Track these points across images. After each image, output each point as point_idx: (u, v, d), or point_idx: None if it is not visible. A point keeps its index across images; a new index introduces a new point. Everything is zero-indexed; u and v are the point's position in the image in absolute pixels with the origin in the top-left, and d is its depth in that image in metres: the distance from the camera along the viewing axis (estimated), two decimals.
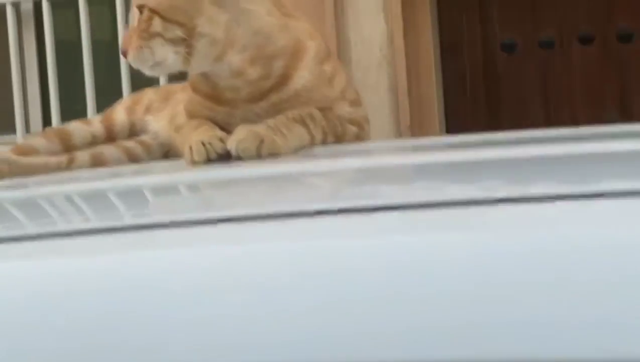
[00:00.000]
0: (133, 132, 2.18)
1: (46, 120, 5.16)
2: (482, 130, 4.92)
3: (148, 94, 2.25)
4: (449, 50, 4.83)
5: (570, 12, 4.86)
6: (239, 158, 1.72)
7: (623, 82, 4.91)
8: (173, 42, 1.81)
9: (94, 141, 2.16)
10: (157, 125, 2.15)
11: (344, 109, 1.96)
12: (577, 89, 4.91)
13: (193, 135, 1.80)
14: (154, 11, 1.82)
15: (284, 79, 1.89)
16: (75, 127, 2.19)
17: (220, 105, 1.91)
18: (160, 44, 1.81)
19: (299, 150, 1.80)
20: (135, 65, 1.86)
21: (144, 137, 2.16)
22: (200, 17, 1.83)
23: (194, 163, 1.74)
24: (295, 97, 1.89)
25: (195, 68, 1.87)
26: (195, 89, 1.95)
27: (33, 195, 1.45)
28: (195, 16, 1.83)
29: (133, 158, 2.11)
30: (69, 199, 1.35)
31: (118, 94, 4.92)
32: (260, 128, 1.76)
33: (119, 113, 2.21)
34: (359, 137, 1.98)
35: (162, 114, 2.17)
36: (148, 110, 2.20)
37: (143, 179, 1.54)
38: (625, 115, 4.91)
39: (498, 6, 4.87)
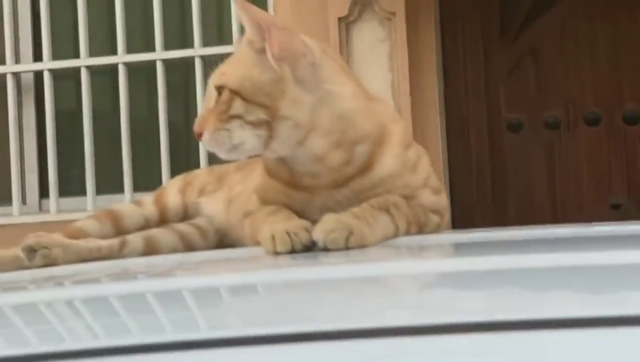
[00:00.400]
0: (186, 214, 2.10)
1: (43, 191, 5.07)
2: (487, 211, 4.88)
3: (200, 176, 2.17)
4: (454, 129, 4.80)
5: (576, 93, 4.84)
6: (325, 249, 1.62)
7: (629, 165, 4.87)
8: (254, 124, 1.72)
9: (146, 224, 2.07)
10: (212, 208, 2.07)
11: (427, 198, 1.87)
12: (583, 170, 4.87)
13: (273, 224, 1.70)
14: (235, 92, 1.73)
15: (368, 165, 1.80)
16: (127, 210, 2.10)
17: (298, 192, 1.81)
18: (239, 127, 1.72)
19: (384, 242, 1.70)
20: (210, 148, 1.76)
21: (199, 221, 2.07)
22: (284, 99, 1.74)
23: (275, 253, 1.64)
24: (379, 185, 1.79)
25: (275, 152, 1.77)
26: (271, 174, 1.85)
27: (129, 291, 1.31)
28: (279, 98, 1.73)
29: (188, 244, 2.02)
30: (143, 300, 1.24)
31: (118, 165, 4.85)
32: (348, 218, 1.66)
33: (172, 195, 2.12)
34: (440, 227, 1.89)
35: (216, 196, 2.09)
36: (202, 192, 2.12)
37: (223, 277, 1.39)
38: (632, 198, 4.86)
39: (504, 85, 4.85)
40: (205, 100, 1.81)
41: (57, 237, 1.90)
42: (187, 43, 4.96)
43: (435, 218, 1.86)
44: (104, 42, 5.15)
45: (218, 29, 5.10)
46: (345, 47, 4.51)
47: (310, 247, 1.65)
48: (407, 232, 1.78)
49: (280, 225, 1.68)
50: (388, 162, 1.80)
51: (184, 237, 2.03)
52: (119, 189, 4.86)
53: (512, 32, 4.89)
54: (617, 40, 4.86)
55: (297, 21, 4.68)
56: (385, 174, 1.80)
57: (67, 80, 5.13)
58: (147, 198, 2.14)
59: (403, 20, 4.42)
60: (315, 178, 1.80)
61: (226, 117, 1.73)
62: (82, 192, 4.88)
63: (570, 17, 4.90)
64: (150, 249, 1.99)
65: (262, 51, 1.74)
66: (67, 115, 5.17)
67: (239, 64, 1.78)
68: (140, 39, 5.11)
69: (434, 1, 4.70)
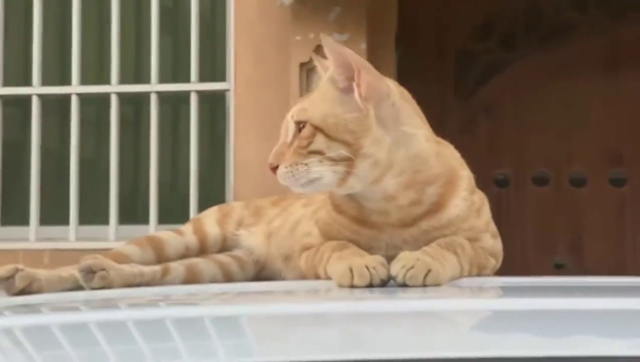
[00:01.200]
0: (225, 245, 2.12)
1: None
2: None
3: (237, 209, 2.18)
4: None
5: (527, 152, 4.94)
6: (404, 285, 1.65)
7: (574, 226, 4.97)
8: (333, 160, 1.75)
9: (186, 253, 2.08)
10: (253, 241, 2.10)
11: (488, 241, 1.92)
12: (529, 228, 4.95)
13: (348, 258, 1.73)
14: (318, 128, 1.77)
15: (437, 206, 1.84)
16: (169, 237, 2.10)
17: (366, 228, 1.85)
18: (318, 162, 1.75)
19: (452, 281, 1.74)
20: (284, 182, 1.78)
21: (239, 253, 2.10)
22: (367, 138, 1.77)
23: (352, 286, 1.66)
24: (447, 226, 1.83)
25: (350, 188, 1.80)
26: (338, 210, 1.88)
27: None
28: (362, 136, 1.77)
29: (228, 274, 2.05)
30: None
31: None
32: (425, 257, 1.70)
33: (211, 226, 2.13)
34: (495, 270, 1.94)
35: (255, 229, 2.11)
36: (240, 224, 2.13)
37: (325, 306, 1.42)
38: (576, 258, 4.96)
39: (455, 143, 4.90)
40: (282, 135, 1.82)
41: (107, 260, 1.89)
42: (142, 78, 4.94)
43: (492, 261, 1.91)
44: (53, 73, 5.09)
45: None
46: (305, 93, 4.53)
47: (386, 283, 1.67)
48: (470, 273, 1.82)
49: (358, 259, 1.70)
50: (456, 205, 1.84)
51: (223, 268, 2.05)
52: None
53: (467, 89, 4.98)
54: (568, 103, 4.99)
55: (258, 65, 4.70)
56: (454, 216, 1.83)
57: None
58: (187, 227, 2.14)
59: None
60: (383, 216, 1.83)
61: (306, 152, 1.76)
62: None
63: (524, 78, 5.01)
64: (191, 278, 2.00)
65: (345, 90, 1.78)
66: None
67: (321, 101, 1.81)
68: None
69: (393, 55, 4.77)
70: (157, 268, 1.96)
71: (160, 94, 4.83)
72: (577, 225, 4.98)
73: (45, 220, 4.84)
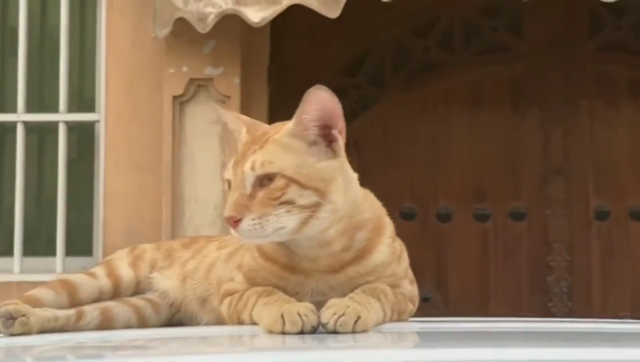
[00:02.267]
0: (138, 288, 2.10)
1: None
2: None
3: (148, 251, 2.15)
4: None
5: (394, 187, 5.04)
6: (334, 332, 1.67)
7: (440, 260, 5.10)
8: (303, 208, 1.76)
9: (100, 296, 2.05)
10: (167, 284, 2.08)
11: (407, 287, 1.95)
12: None
13: (276, 304, 1.73)
14: (292, 180, 1.77)
15: (364, 252, 1.85)
16: (82, 281, 2.06)
17: (294, 275, 1.86)
18: (286, 211, 1.75)
19: (376, 327, 1.76)
20: (246, 235, 1.75)
21: (152, 296, 2.08)
22: (334, 183, 1.80)
23: (282, 333, 1.67)
24: (371, 272, 1.86)
25: (305, 233, 1.79)
26: (267, 258, 1.88)
27: None
28: (331, 182, 1.80)
29: (142, 317, 2.03)
30: None
31: None
32: (353, 304, 1.72)
33: (124, 269, 2.10)
34: (411, 314, 1.98)
35: (169, 272, 2.09)
36: (153, 267, 2.11)
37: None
38: (441, 291, 5.08)
39: None
40: (234, 187, 1.78)
41: (21, 304, 1.85)
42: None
43: (410, 306, 1.96)
44: None
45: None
46: (178, 125, 4.52)
47: (316, 329, 1.69)
48: (391, 319, 1.85)
49: (289, 306, 1.70)
50: (381, 251, 1.87)
51: (138, 311, 2.03)
52: None
53: None
54: (434, 140, 5.13)
55: (129, 96, 4.65)
56: (379, 262, 1.86)
57: None
58: (99, 270, 2.10)
59: (237, 103, 4.48)
60: (313, 262, 1.85)
61: (277, 203, 1.75)
62: None
63: (392, 114, 5.13)
64: (106, 322, 1.98)
65: (314, 143, 1.81)
66: None
67: (287, 153, 1.81)
68: None
69: (265, 88, 4.80)
70: (71, 312, 1.93)
71: (26, 124, 4.71)
72: (443, 258, 5.10)
73: None
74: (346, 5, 4.26)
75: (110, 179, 4.63)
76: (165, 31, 4.36)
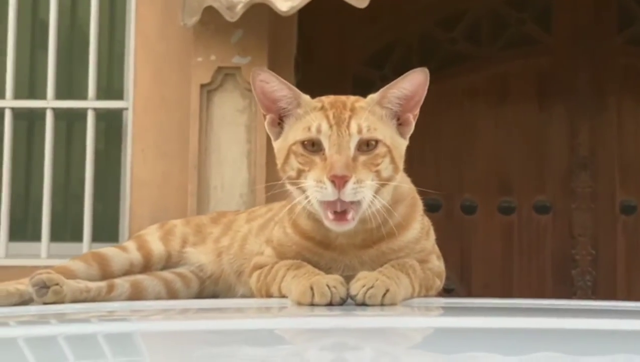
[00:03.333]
0: (169, 262, 2.14)
1: None
2: None
3: (179, 226, 2.19)
4: None
5: (419, 180, 5.04)
6: (363, 304, 1.68)
7: (464, 252, 5.10)
8: (380, 180, 1.79)
9: (130, 269, 2.09)
10: (204, 259, 2.12)
11: (434, 263, 1.99)
12: None
13: (306, 277, 1.75)
14: (389, 150, 1.82)
15: (399, 229, 1.88)
16: (114, 254, 2.11)
17: (329, 251, 1.88)
18: (369, 182, 1.78)
19: (405, 301, 1.78)
20: (349, 196, 1.76)
21: (183, 270, 2.11)
22: (401, 162, 1.86)
23: (311, 304, 1.69)
24: (403, 248, 1.89)
25: (362, 210, 1.80)
26: (304, 236, 1.90)
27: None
28: (401, 160, 1.87)
29: (172, 291, 2.07)
30: None
31: None
32: (382, 277, 1.74)
33: (155, 243, 2.15)
34: (439, 291, 2.00)
35: (204, 248, 2.13)
36: (185, 242, 2.15)
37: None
38: (464, 283, 5.08)
39: None
40: (338, 148, 1.79)
41: (55, 274, 1.89)
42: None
43: (438, 282, 1.97)
44: None
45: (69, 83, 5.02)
46: (205, 114, 4.54)
47: (344, 301, 1.70)
48: (419, 294, 1.86)
49: (318, 278, 1.72)
50: (416, 228, 1.90)
51: (168, 285, 2.07)
52: None
53: None
54: (459, 132, 5.13)
55: (157, 84, 4.69)
56: (412, 237, 1.89)
57: None
58: (130, 244, 2.14)
59: None
60: (350, 238, 1.86)
61: (373, 169, 1.79)
62: None
63: None
64: (136, 294, 2.02)
65: (391, 119, 1.87)
66: None
67: (382, 123, 1.85)
68: None
69: (293, 78, 4.82)
70: (102, 284, 1.97)
71: (55, 111, 4.76)
72: (467, 251, 5.11)
73: None
74: None
75: (137, 167, 4.66)
76: (194, 20, 4.39)
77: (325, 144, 1.80)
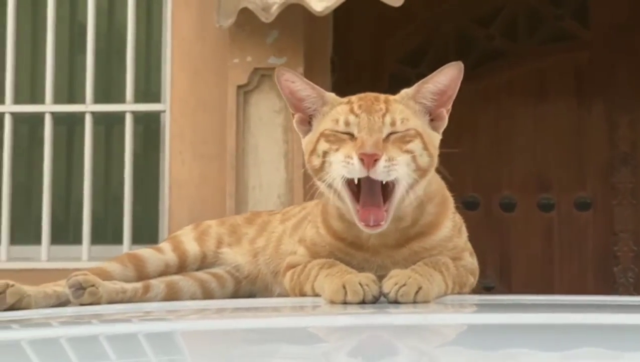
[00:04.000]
0: (204, 262, 2.15)
1: None
2: None
3: (214, 227, 2.20)
4: None
5: (457, 177, 5.02)
6: (395, 302, 1.69)
7: (503, 250, 5.07)
8: (417, 168, 1.80)
9: (166, 270, 2.10)
10: (240, 259, 2.14)
11: (468, 259, 1.98)
12: None
13: (339, 275, 1.76)
14: (419, 134, 1.83)
15: (430, 228, 1.89)
16: (150, 255, 2.13)
17: (361, 252, 1.88)
18: (405, 163, 1.78)
19: (438, 299, 1.78)
20: (378, 173, 1.77)
21: (217, 271, 2.13)
22: (435, 156, 1.87)
23: (344, 303, 1.69)
24: (436, 246, 1.89)
25: (401, 200, 1.81)
26: (336, 237, 1.91)
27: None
28: (435, 153, 1.88)
29: (207, 291, 2.08)
30: None
31: None
32: (415, 275, 1.74)
33: (190, 244, 2.16)
34: (472, 288, 1.99)
35: (239, 249, 2.15)
36: (220, 243, 2.17)
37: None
38: (504, 281, 5.05)
39: None
40: (369, 131, 1.81)
41: (92, 276, 1.91)
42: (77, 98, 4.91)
43: (471, 279, 1.96)
44: None
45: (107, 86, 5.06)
46: (242, 115, 4.56)
47: (377, 299, 1.71)
48: (452, 291, 1.85)
49: (351, 276, 1.73)
50: (447, 226, 1.89)
51: (203, 285, 2.08)
52: None
53: None
54: (497, 129, 5.10)
55: (194, 86, 4.71)
56: (444, 236, 1.89)
57: None
58: (165, 245, 2.15)
59: None
60: (382, 238, 1.86)
61: (404, 148, 1.80)
62: None
63: (454, 104, 5.10)
64: (172, 294, 2.04)
65: (425, 113, 1.89)
66: None
67: (414, 115, 1.87)
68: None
69: (329, 78, 4.82)
70: (138, 285, 1.98)
71: (94, 115, 4.80)
72: (506, 248, 5.08)
73: None
74: None
75: (175, 169, 4.69)
76: (230, 21, 4.40)
77: (355, 130, 1.80)
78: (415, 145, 1.81)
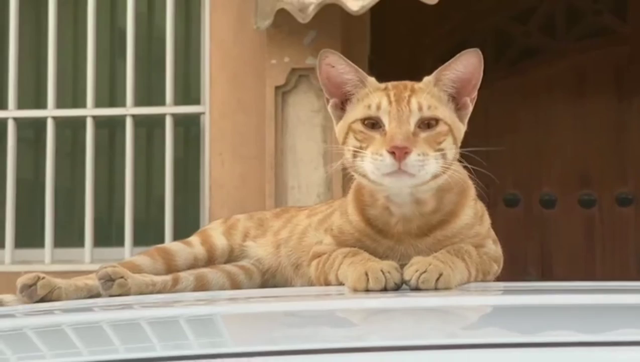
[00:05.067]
0: (232, 255, 2.17)
1: None
2: None
3: (242, 221, 2.23)
4: None
5: (497, 174, 5.02)
6: (416, 289, 1.71)
7: (544, 247, 5.05)
8: (445, 162, 1.81)
9: (195, 263, 2.13)
10: (262, 251, 2.15)
11: (490, 247, 1.98)
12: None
13: (362, 263, 1.78)
14: (450, 130, 1.83)
15: (451, 216, 1.90)
16: (179, 248, 2.15)
17: (387, 239, 1.90)
18: (434, 158, 1.79)
19: (460, 286, 1.79)
20: (409, 168, 1.77)
21: (245, 263, 2.15)
22: (459, 143, 1.87)
23: (366, 290, 1.72)
24: (457, 234, 1.90)
25: (427, 185, 1.83)
26: (368, 222, 1.92)
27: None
28: (460, 140, 1.87)
29: (235, 283, 2.10)
30: None
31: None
32: (436, 262, 1.76)
33: (218, 238, 2.19)
34: (496, 275, 2.00)
35: (263, 241, 2.17)
36: (246, 236, 2.19)
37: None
38: (546, 278, 5.03)
39: None
40: (398, 122, 1.81)
41: (120, 268, 1.94)
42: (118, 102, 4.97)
43: (495, 266, 1.97)
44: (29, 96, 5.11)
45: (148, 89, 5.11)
46: (280, 115, 4.59)
47: (399, 287, 1.73)
48: (475, 279, 1.87)
49: (373, 264, 1.75)
50: (468, 214, 1.91)
51: (231, 277, 2.11)
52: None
53: None
54: (537, 126, 5.09)
55: (233, 88, 4.75)
56: (464, 224, 1.90)
57: None
58: (194, 239, 2.18)
59: None
60: (407, 224, 1.88)
61: (436, 147, 1.80)
62: None
63: (493, 101, 5.10)
64: (201, 287, 2.05)
65: (449, 101, 1.88)
66: None
67: (441, 104, 1.87)
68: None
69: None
70: (167, 278, 2.01)
71: (135, 118, 4.86)
72: (547, 245, 5.06)
73: (21, 243, 4.84)
74: None
75: (215, 170, 4.73)
76: (267, 23, 4.44)
77: (385, 120, 1.81)
78: (447, 143, 1.82)
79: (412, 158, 1.77)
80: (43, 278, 1.90)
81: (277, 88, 4.58)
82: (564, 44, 5.16)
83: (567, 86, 5.13)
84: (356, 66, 1.95)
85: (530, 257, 5.01)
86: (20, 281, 1.89)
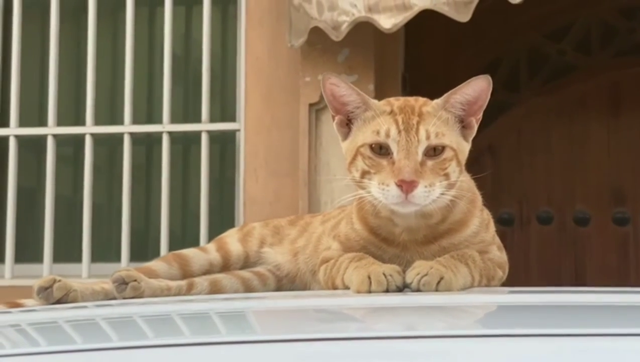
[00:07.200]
0: (247, 262, 2.23)
1: None
2: None
3: (257, 228, 2.29)
4: None
5: (530, 191, 5.02)
6: (417, 291, 1.76)
7: (578, 264, 5.04)
8: (449, 184, 1.86)
9: (210, 269, 2.19)
10: (280, 258, 2.21)
11: (495, 253, 2.02)
12: (534, 266, 5.03)
13: (366, 267, 1.83)
14: (456, 154, 1.88)
15: (460, 225, 1.94)
16: (194, 254, 2.21)
17: (392, 247, 1.95)
18: (439, 183, 1.85)
19: (464, 290, 1.83)
20: (417, 200, 1.83)
21: (259, 269, 2.21)
22: (464, 161, 1.92)
23: (369, 292, 1.77)
24: (463, 242, 1.95)
25: (426, 207, 1.87)
26: (371, 231, 1.97)
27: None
28: (465, 159, 1.93)
29: (249, 288, 2.16)
30: None
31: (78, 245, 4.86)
32: (438, 265, 1.80)
33: (234, 244, 2.25)
34: (501, 281, 2.03)
35: (281, 248, 2.23)
36: (262, 243, 2.25)
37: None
38: None
39: None
40: (406, 153, 1.85)
41: (136, 272, 2.00)
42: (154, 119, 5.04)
43: (500, 272, 2.01)
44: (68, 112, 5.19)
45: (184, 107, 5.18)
46: (314, 132, 4.63)
47: (401, 289, 1.78)
48: (479, 284, 1.91)
49: (376, 267, 1.80)
50: (475, 223, 1.94)
51: (245, 282, 2.16)
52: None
53: None
54: (570, 143, 5.08)
55: (268, 105, 4.80)
56: (472, 233, 1.93)
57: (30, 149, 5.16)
58: (210, 246, 2.24)
59: None
60: (413, 234, 1.92)
61: (441, 173, 1.86)
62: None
63: (527, 119, 5.11)
64: (215, 292, 2.12)
65: (455, 122, 1.93)
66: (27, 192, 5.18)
67: (448, 128, 1.92)
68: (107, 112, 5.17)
69: (400, 96, 4.86)
70: (182, 283, 2.07)
71: (171, 134, 4.92)
72: (581, 263, 5.05)
73: (58, 258, 4.91)
74: (479, 10, 4.29)
75: (249, 186, 4.78)
76: (301, 40, 4.48)
77: (394, 148, 1.84)
78: (451, 168, 1.87)
79: (419, 191, 1.83)
80: (59, 281, 1.95)
81: (310, 105, 4.62)
82: (598, 61, 5.16)
83: (601, 103, 5.13)
84: (357, 89, 1.99)
85: (563, 275, 5.00)
86: (37, 284, 1.95)
